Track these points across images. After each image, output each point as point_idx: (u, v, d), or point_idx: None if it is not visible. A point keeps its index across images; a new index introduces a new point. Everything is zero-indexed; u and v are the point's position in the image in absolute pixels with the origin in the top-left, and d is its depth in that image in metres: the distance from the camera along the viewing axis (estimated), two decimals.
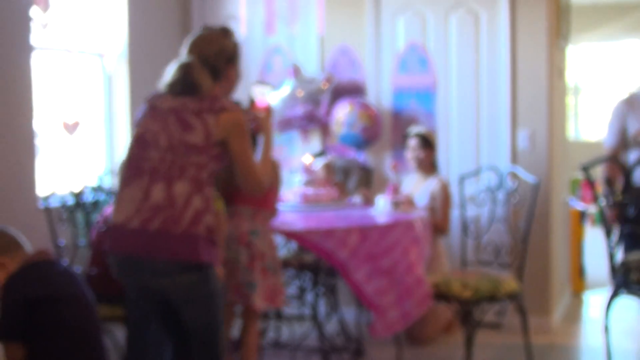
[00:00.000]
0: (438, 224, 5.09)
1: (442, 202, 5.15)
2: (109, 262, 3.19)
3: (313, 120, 5.63)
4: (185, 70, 3.11)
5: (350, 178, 5.55)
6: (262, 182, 3.20)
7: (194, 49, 3.25)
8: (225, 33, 3.33)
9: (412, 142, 5.26)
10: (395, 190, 4.75)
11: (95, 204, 4.48)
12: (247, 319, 3.98)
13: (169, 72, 3.16)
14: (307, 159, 4.99)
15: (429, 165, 5.28)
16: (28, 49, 4.53)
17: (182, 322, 3.13)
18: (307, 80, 5.61)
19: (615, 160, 4.94)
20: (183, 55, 3.29)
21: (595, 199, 4.49)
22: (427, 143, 5.23)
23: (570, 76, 7.48)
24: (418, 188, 5.23)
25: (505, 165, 5.35)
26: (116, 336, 4.40)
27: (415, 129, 5.31)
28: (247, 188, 3.21)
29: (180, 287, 3.04)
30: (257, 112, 3.47)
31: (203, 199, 3.03)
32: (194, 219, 2.99)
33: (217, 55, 3.24)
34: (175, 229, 2.97)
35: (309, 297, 5.08)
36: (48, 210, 4.33)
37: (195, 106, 3.06)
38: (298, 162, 5.38)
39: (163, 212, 2.98)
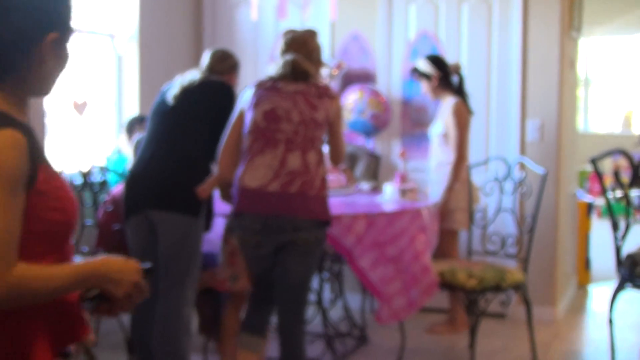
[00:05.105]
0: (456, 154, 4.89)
1: (453, 128, 4.94)
2: (243, 223, 3.57)
3: None
4: (293, 64, 3.60)
5: (358, 165, 5.55)
6: (344, 155, 3.83)
7: (290, 48, 3.71)
8: (313, 35, 3.80)
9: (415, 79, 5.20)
10: (403, 178, 4.75)
11: (103, 184, 4.49)
12: None
13: (275, 66, 3.65)
14: None
15: (438, 90, 5.09)
16: None
17: (293, 270, 3.57)
18: None
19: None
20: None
21: (603, 191, 4.48)
22: (420, 73, 5.08)
23: (581, 68, 7.45)
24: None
25: (513, 155, 5.34)
26: (121, 317, 4.42)
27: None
28: (336, 160, 3.78)
29: (314, 239, 3.54)
30: None
31: (324, 167, 3.60)
32: (322, 183, 3.56)
33: (311, 53, 3.72)
34: (311, 191, 3.51)
35: (314, 282, 5.09)
36: None
37: (315, 91, 3.59)
38: None
39: (300, 177, 3.50)
